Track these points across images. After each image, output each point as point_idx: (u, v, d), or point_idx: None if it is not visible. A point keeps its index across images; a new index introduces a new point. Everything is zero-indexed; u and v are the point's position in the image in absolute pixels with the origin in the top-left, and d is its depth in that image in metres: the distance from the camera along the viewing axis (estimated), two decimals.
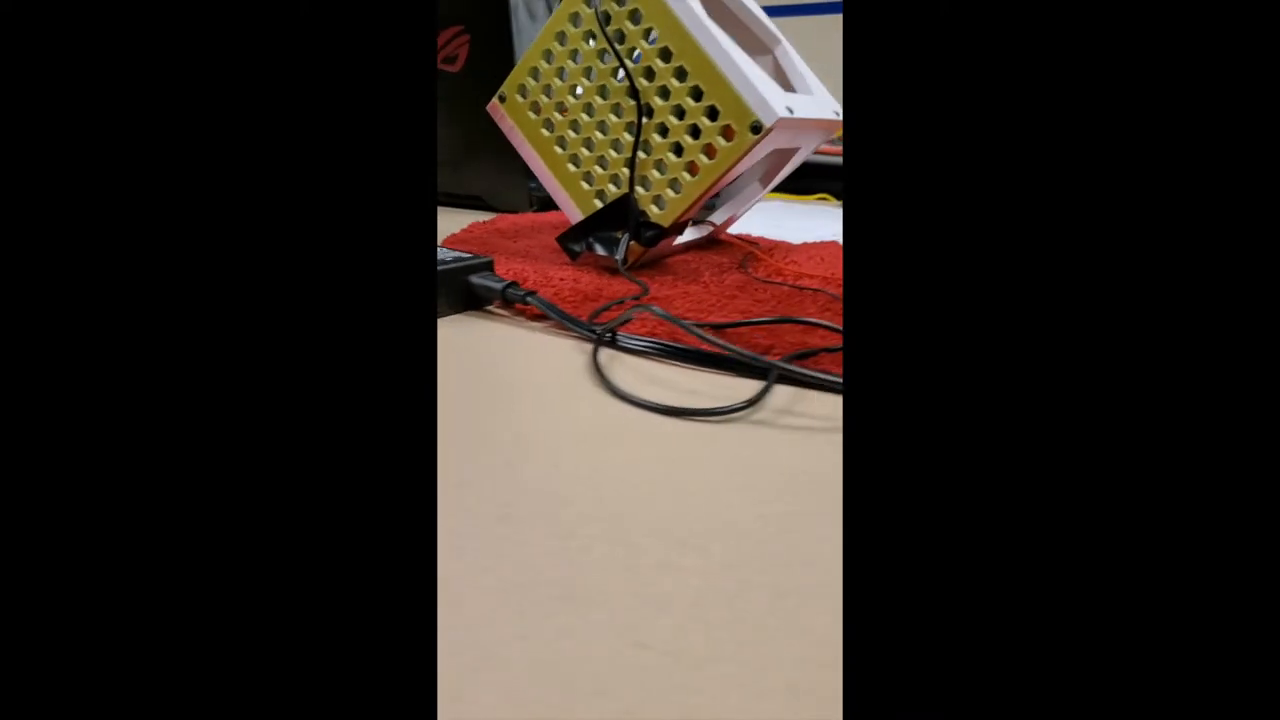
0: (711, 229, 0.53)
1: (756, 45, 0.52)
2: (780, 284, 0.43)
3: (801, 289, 0.42)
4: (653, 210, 0.45)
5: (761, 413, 0.28)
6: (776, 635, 0.17)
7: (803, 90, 0.50)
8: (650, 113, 0.43)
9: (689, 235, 0.52)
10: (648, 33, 0.42)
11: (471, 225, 0.60)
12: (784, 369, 0.29)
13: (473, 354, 0.33)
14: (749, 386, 0.30)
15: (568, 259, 0.48)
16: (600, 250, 0.46)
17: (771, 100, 0.40)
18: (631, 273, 0.45)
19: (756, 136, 0.40)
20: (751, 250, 0.50)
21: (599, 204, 0.46)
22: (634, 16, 0.42)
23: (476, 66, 0.67)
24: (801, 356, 0.32)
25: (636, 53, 0.43)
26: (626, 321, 0.36)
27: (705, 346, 0.32)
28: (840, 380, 0.28)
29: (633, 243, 0.45)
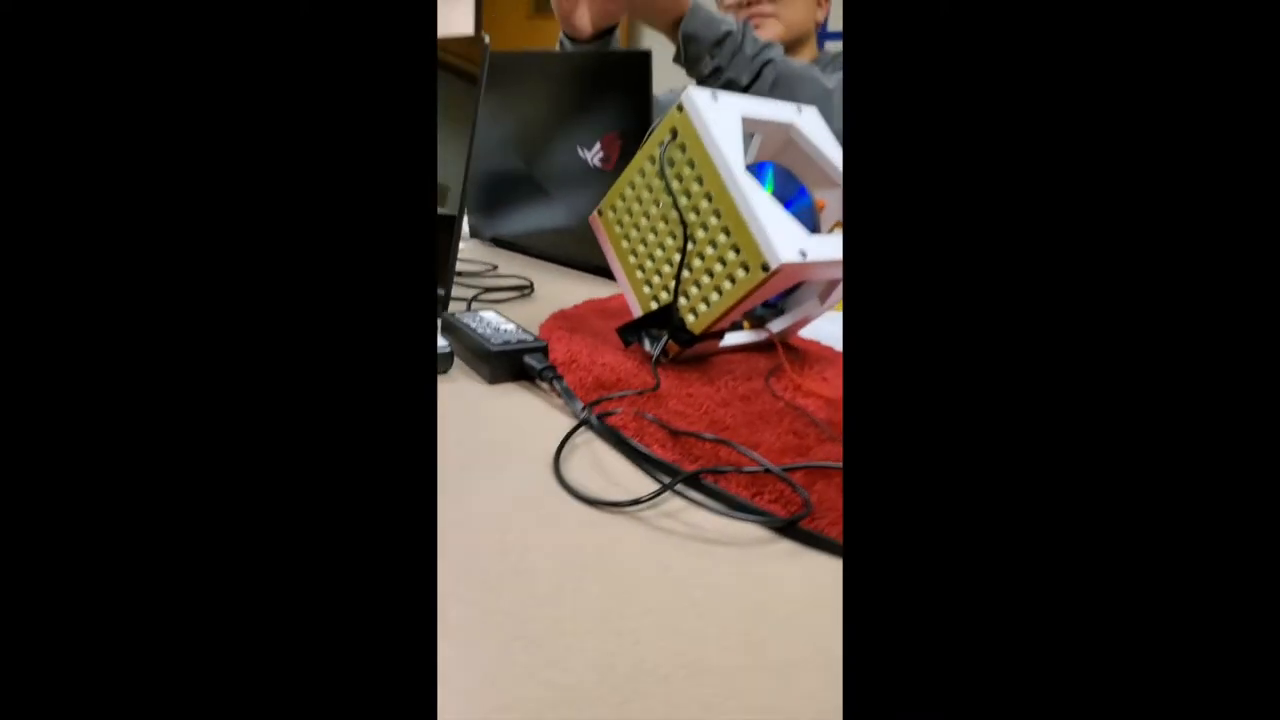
0: (767, 334, 0.60)
1: (823, 180, 0.58)
2: (780, 399, 0.49)
3: (795, 409, 0.48)
4: (689, 319, 0.53)
5: (651, 512, 0.35)
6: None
7: None
8: (694, 240, 0.52)
9: (743, 338, 0.59)
10: (700, 178, 0.51)
11: (586, 302, 0.73)
12: (681, 480, 0.36)
13: (489, 413, 0.45)
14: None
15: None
16: (646, 345, 0.55)
17: (780, 247, 0.46)
18: (668, 365, 0.54)
19: (766, 275, 0.47)
20: (781, 362, 0.56)
21: (654, 306, 0.56)
22: (691, 164, 0.52)
23: (620, 167, 0.80)
24: (715, 472, 0.39)
25: (691, 190, 0.52)
26: (609, 413, 0.45)
27: (648, 445, 0.41)
28: (727, 506, 0.35)
29: (670, 342, 0.54)
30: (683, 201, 0.52)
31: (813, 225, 0.58)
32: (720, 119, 0.51)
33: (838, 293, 0.60)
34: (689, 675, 0.25)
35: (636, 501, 0.36)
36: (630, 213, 0.57)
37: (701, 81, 0.92)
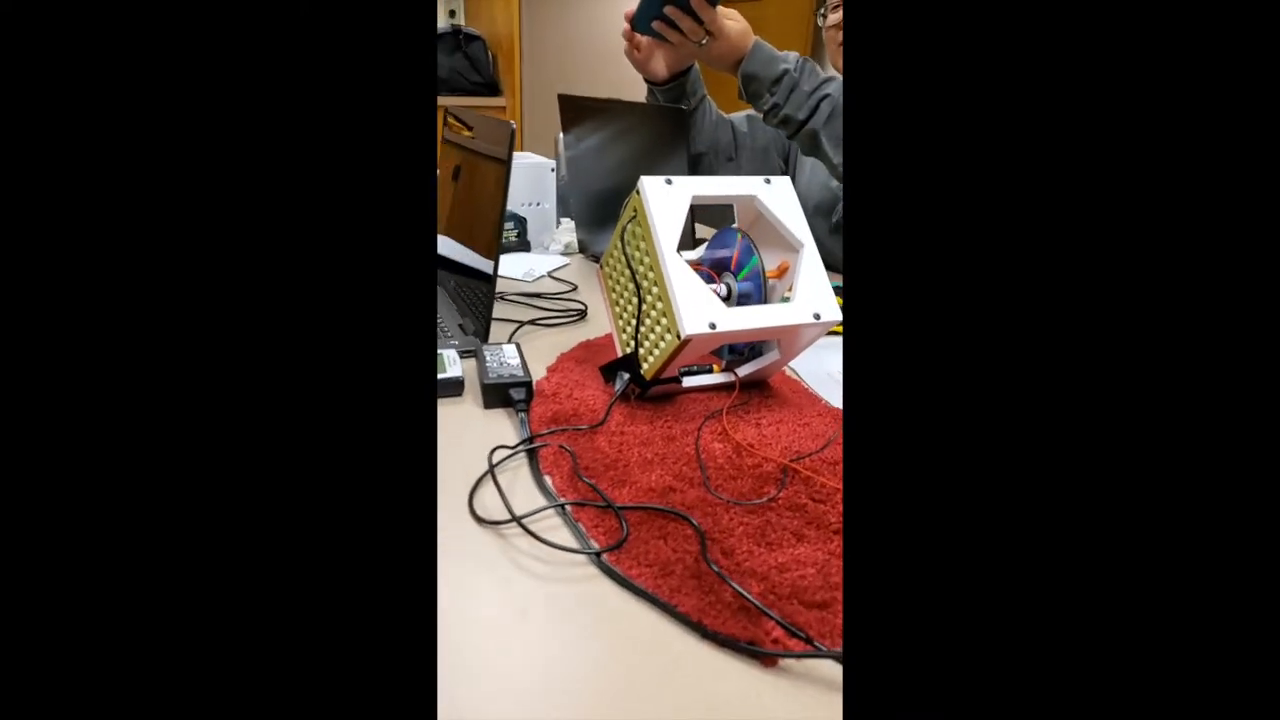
0: (732, 377, 0.68)
1: (784, 247, 0.64)
2: (698, 442, 0.58)
3: (704, 452, 0.57)
4: (645, 365, 0.64)
5: (526, 527, 0.48)
6: None
7: (803, 294, 0.61)
8: (644, 302, 0.62)
9: (710, 380, 0.68)
10: (649, 253, 0.61)
11: (583, 344, 0.83)
12: (547, 508, 0.49)
13: (464, 431, 0.60)
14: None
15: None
16: (615, 384, 0.67)
17: (688, 321, 0.56)
18: (638, 402, 0.65)
19: (680, 342, 0.57)
20: (725, 407, 0.64)
21: (627, 351, 0.67)
22: (644, 240, 0.62)
23: None
24: (577, 504, 0.50)
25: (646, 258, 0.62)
26: (544, 445, 0.58)
27: (549, 474, 0.53)
28: (573, 533, 0.47)
29: (632, 384, 0.65)
30: (640, 269, 0.63)
31: (760, 291, 0.65)
32: (665, 204, 0.60)
33: (799, 347, 0.66)
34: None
35: (512, 519, 0.49)
36: (615, 270, 0.68)
37: (765, 117, 0.98)
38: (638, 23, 0.94)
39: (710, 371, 0.70)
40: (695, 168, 1.20)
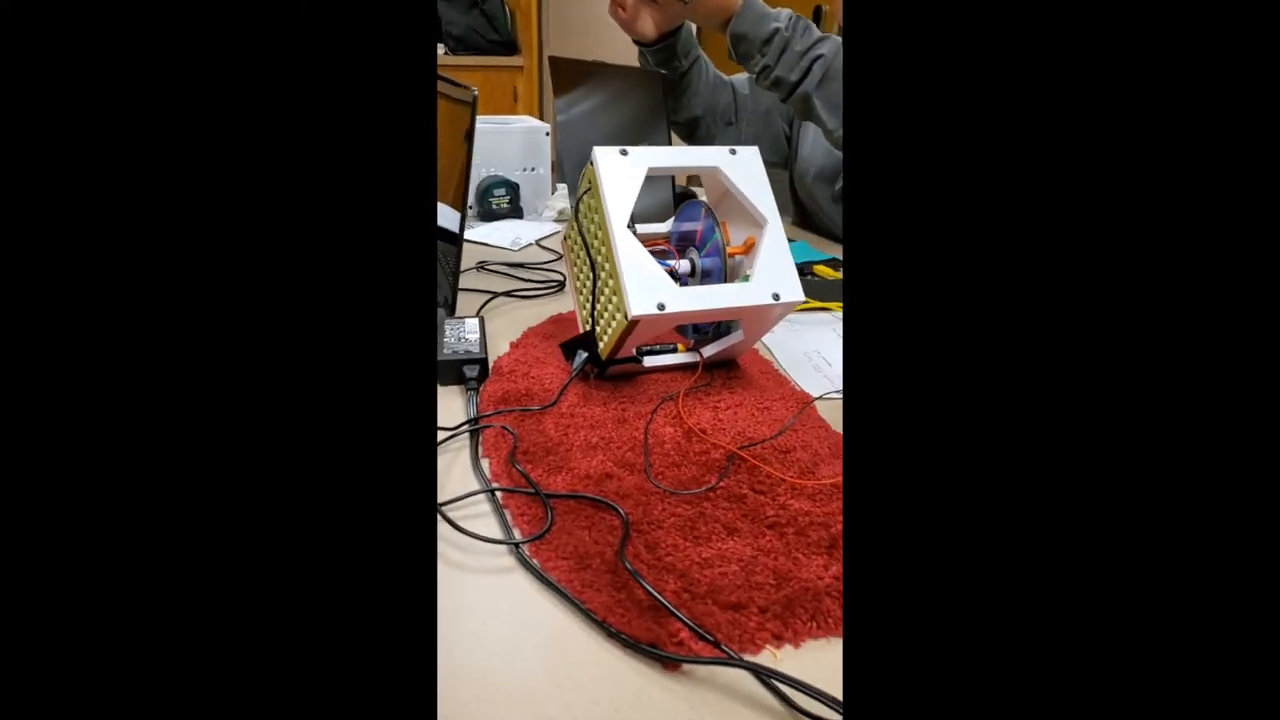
0: (697, 357, 0.66)
1: (749, 222, 0.61)
2: (646, 426, 0.56)
3: (652, 437, 0.55)
4: (600, 344, 0.62)
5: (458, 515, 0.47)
6: None
7: (762, 274, 0.58)
8: (598, 279, 0.60)
9: (673, 359, 0.66)
10: (603, 227, 0.58)
11: (553, 318, 0.81)
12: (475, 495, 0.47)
13: None
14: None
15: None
16: (573, 361, 0.65)
17: (635, 301, 0.53)
18: (597, 381, 0.63)
19: (628, 322, 0.54)
20: (681, 390, 0.62)
21: (586, 328, 0.65)
22: (598, 213, 0.59)
23: None
24: (508, 491, 0.49)
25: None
26: (489, 426, 0.56)
27: (487, 456, 0.52)
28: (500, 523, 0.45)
29: (590, 364, 0.63)
30: (594, 244, 0.60)
31: (721, 268, 0.62)
32: (619, 176, 0.57)
33: (763, 328, 0.63)
34: None
35: (446, 503, 0.48)
36: (574, 244, 0.66)
37: (756, 79, 0.93)
38: None
39: (674, 351, 0.67)
40: (692, 132, 1.15)
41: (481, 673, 0.36)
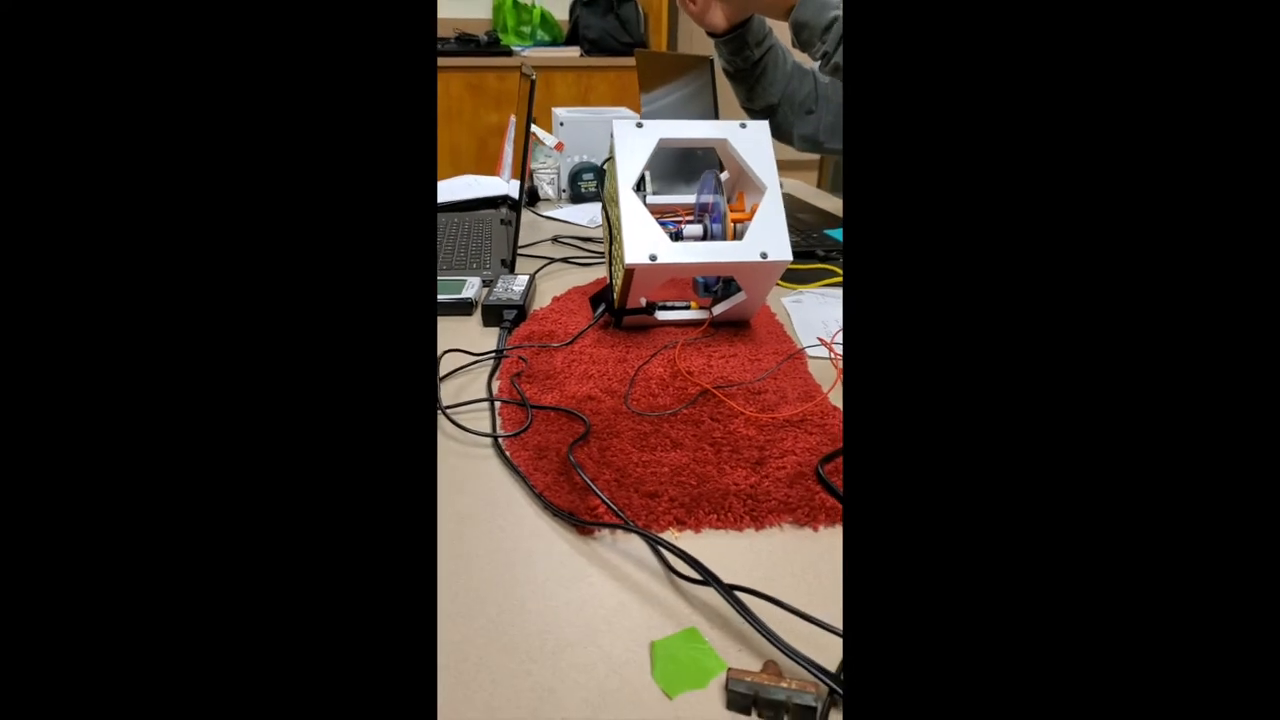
0: (705, 314, 0.72)
1: (752, 189, 0.67)
2: (641, 368, 0.64)
3: (643, 378, 0.62)
4: (615, 295, 0.70)
5: (465, 417, 0.57)
6: None
7: (755, 234, 0.64)
8: (614, 238, 0.68)
9: (688, 315, 0.73)
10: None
11: (599, 280, 0.89)
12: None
13: (461, 341, 0.69)
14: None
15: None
16: (595, 311, 0.73)
17: (631, 250, 0.61)
18: (616, 330, 0.72)
19: (624, 271, 0.62)
20: (682, 340, 0.68)
21: (610, 283, 0.73)
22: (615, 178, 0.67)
23: None
24: (504, 401, 0.58)
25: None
26: (507, 355, 0.66)
27: (502, 379, 0.61)
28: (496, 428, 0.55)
29: (607, 313, 0.71)
30: (610, 206, 0.68)
31: (724, 233, 0.67)
32: (631, 145, 0.65)
33: (761, 287, 0.69)
34: None
35: (451, 406, 0.58)
36: (606, 208, 0.74)
37: (819, 66, 0.97)
38: None
39: (687, 308, 0.74)
40: (769, 120, 1.20)
41: (455, 524, 0.46)
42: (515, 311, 0.75)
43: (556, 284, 0.88)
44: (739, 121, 0.68)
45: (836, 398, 0.62)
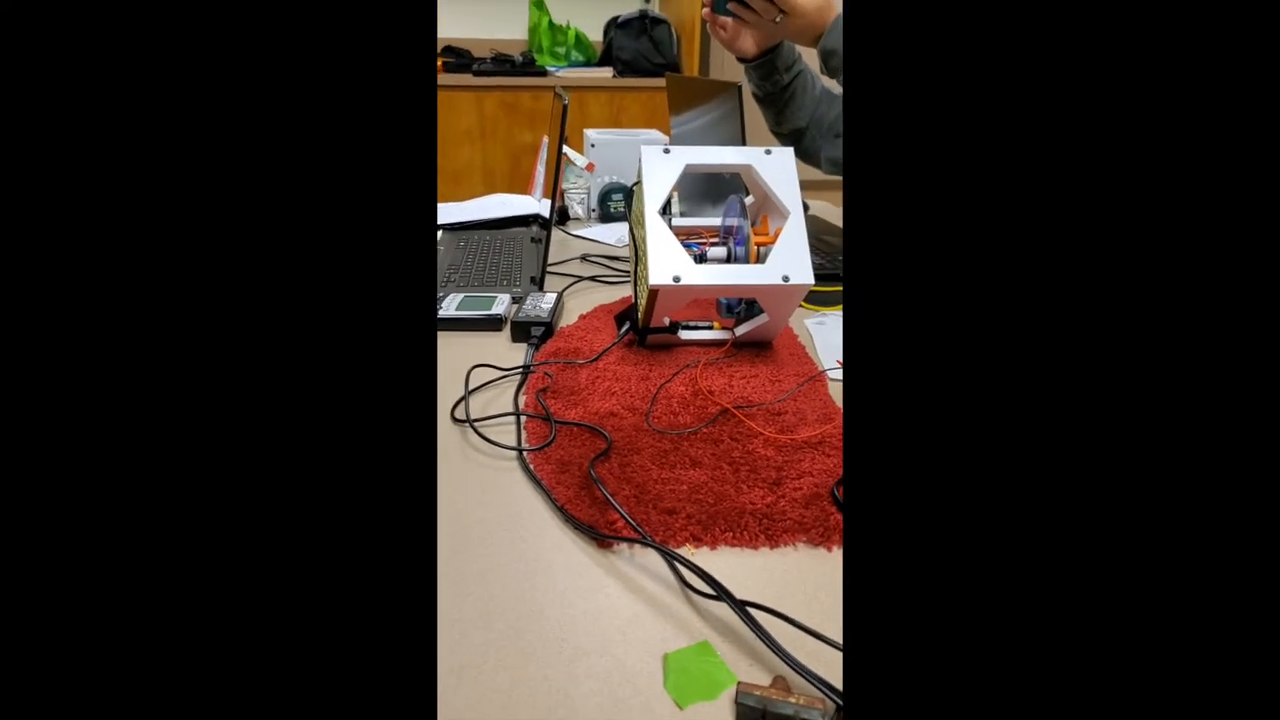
0: (728, 335, 0.74)
1: (776, 213, 0.68)
2: (662, 389, 0.65)
3: (664, 397, 0.64)
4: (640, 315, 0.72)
5: (493, 431, 0.60)
6: None
7: (777, 257, 0.65)
8: (640, 260, 0.70)
9: (710, 335, 0.74)
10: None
11: (625, 298, 0.91)
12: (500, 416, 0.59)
13: (488, 356, 0.72)
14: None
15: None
16: (620, 329, 0.75)
17: (655, 272, 0.62)
18: (641, 348, 0.74)
19: (649, 292, 0.64)
20: (702, 360, 0.70)
21: (636, 302, 0.75)
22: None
23: None
24: (528, 415, 0.60)
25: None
26: (532, 371, 0.68)
27: (528, 393, 0.63)
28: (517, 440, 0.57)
29: (632, 332, 0.73)
30: (637, 229, 0.70)
31: (745, 252, 0.69)
32: (658, 171, 0.67)
33: (783, 310, 0.70)
34: None
35: (478, 419, 0.60)
36: (634, 231, 0.76)
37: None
38: (716, 4, 0.99)
39: (710, 328, 0.76)
40: (797, 144, 1.22)
41: (479, 532, 0.48)
42: (543, 328, 0.77)
43: (583, 302, 0.90)
44: (764, 148, 0.70)
45: None
